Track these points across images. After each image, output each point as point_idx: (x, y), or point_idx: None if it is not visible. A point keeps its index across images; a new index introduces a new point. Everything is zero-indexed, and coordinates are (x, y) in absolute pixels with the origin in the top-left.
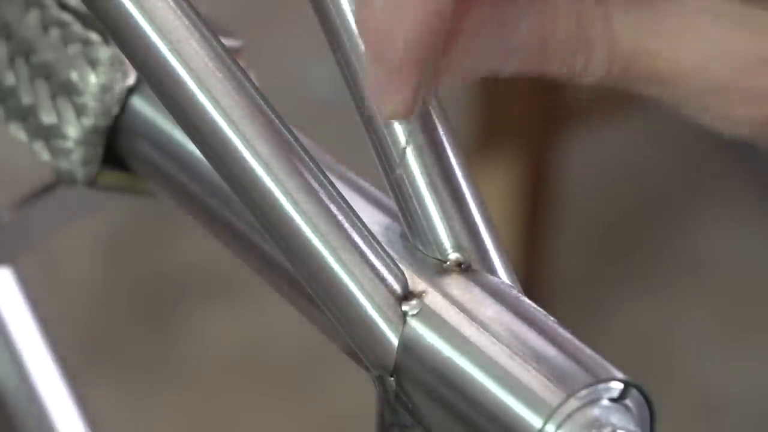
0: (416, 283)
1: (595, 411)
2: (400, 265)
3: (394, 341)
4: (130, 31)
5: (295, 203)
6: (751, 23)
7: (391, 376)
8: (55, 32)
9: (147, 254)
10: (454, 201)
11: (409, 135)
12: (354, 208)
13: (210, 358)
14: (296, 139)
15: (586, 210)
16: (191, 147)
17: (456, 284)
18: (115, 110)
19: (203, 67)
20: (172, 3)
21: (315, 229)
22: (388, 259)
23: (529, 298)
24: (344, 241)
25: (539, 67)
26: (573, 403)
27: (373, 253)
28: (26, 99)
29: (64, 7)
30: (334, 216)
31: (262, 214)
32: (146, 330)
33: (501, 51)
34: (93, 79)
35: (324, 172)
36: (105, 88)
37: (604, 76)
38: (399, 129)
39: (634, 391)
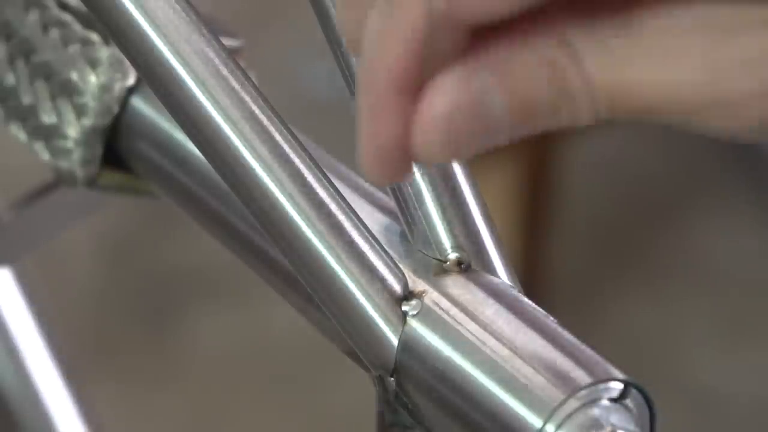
0: (416, 283)
1: (595, 411)
2: (400, 265)
3: (394, 341)
4: (130, 31)
5: (295, 203)
6: (722, 23)
7: (391, 376)
8: (55, 32)
9: (147, 254)
10: (454, 201)
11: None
12: (354, 208)
13: (210, 358)
14: (296, 139)
15: (586, 210)
16: (191, 147)
17: (456, 284)
18: (115, 110)
19: (203, 67)
20: (172, 3)
21: (315, 229)
22: (388, 259)
23: (529, 298)
24: (344, 241)
25: (525, 131)
26: (573, 403)
27: (373, 253)
28: (26, 99)
29: (64, 7)
30: (334, 216)
31: (262, 214)
32: (146, 330)
33: (484, 128)
34: (93, 79)
35: (324, 172)
36: (105, 88)
37: (592, 119)
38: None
39: (634, 391)
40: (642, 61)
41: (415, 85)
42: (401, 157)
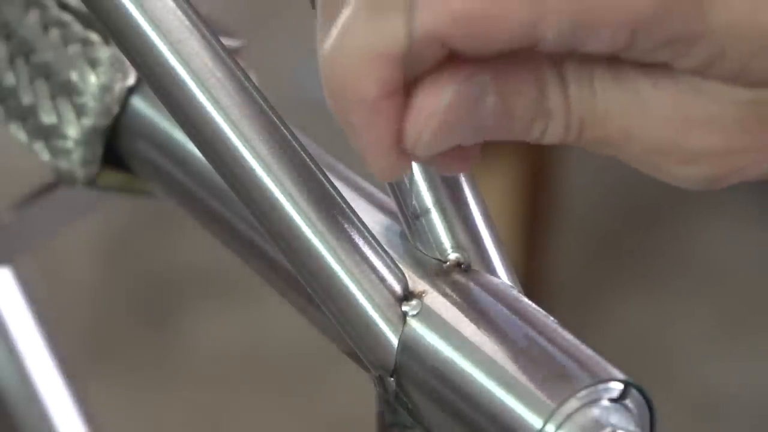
0: (416, 284)
1: (595, 411)
2: (400, 265)
3: (394, 341)
4: (130, 31)
5: (295, 203)
6: (695, 87)
7: (391, 376)
8: (55, 32)
9: (147, 254)
10: (454, 201)
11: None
12: (354, 208)
13: (210, 358)
14: (296, 139)
15: (586, 210)
16: (191, 147)
17: (456, 284)
18: (115, 110)
19: (203, 67)
20: (172, 3)
21: (315, 229)
22: (388, 259)
23: (529, 298)
24: (344, 241)
25: (501, 136)
26: (573, 403)
27: (373, 253)
28: (26, 99)
29: (64, 7)
30: (334, 216)
31: (262, 214)
32: (146, 330)
33: (474, 124)
34: (93, 79)
35: (324, 172)
36: (105, 88)
37: (561, 140)
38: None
39: (634, 392)
40: (618, 98)
41: (401, 88)
42: (400, 153)
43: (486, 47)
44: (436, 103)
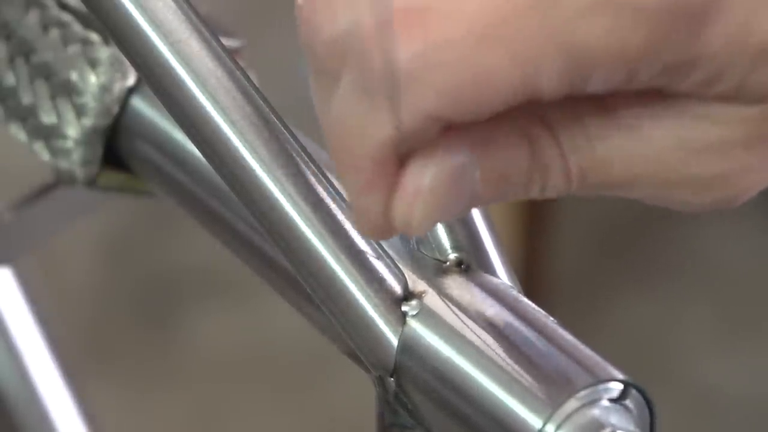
0: (416, 284)
1: (595, 411)
2: (399, 265)
3: (394, 342)
4: (130, 31)
5: (295, 203)
6: (695, 113)
7: (391, 376)
8: (55, 32)
9: (147, 254)
10: None
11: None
12: None
13: (210, 358)
14: (296, 138)
15: (586, 210)
16: (191, 147)
17: (456, 284)
18: (115, 110)
19: (203, 67)
20: (172, 3)
21: (315, 230)
22: (388, 260)
23: (529, 298)
24: (344, 241)
25: (498, 200)
26: (573, 404)
27: (373, 253)
28: (26, 99)
29: (64, 7)
30: (334, 216)
31: (262, 214)
32: (146, 330)
33: (462, 198)
34: (93, 79)
35: (324, 172)
36: (105, 88)
37: (564, 192)
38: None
39: (634, 392)
40: (616, 140)
41: (395, 162)
42: (388, 224)
43: (484, 112)
44: (421, 182)
